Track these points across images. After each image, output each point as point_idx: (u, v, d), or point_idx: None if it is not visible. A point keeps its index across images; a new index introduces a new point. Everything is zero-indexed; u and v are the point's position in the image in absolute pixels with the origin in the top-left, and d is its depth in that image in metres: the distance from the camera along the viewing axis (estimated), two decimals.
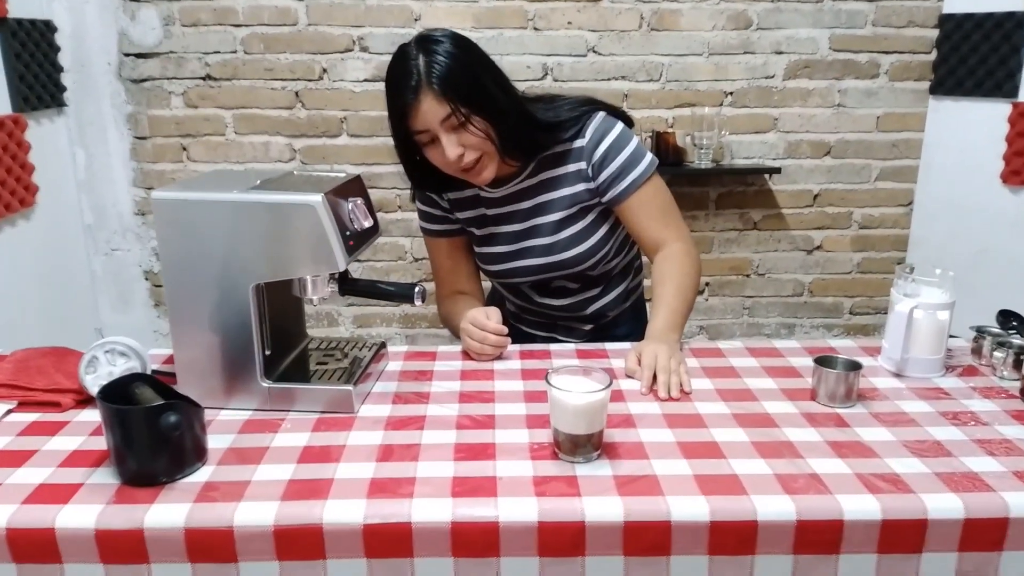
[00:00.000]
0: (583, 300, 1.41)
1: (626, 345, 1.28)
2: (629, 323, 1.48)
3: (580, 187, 1.31)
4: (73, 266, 2.19)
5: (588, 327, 1.45)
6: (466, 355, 1.23)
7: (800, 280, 2.35)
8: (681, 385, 1.09)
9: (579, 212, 1.32)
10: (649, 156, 1.30)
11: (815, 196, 2.28)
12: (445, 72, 1.14)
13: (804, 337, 2.38)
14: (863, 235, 2.32)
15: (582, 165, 1.30)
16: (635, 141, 1.30)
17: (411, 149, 1.23)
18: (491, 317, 1.22)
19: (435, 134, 1.17)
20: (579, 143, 1.29)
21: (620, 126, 1.30)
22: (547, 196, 1.32)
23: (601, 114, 1.30)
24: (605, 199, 1.31)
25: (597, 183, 1.30)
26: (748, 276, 2.33)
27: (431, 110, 1.15)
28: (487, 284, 1.50)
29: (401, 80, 1.16)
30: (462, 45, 1.19)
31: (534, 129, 1.25)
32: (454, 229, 1.40)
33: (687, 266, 1.29)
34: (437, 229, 1.40)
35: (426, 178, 1.30)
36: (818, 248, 2.33)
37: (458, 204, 1.37)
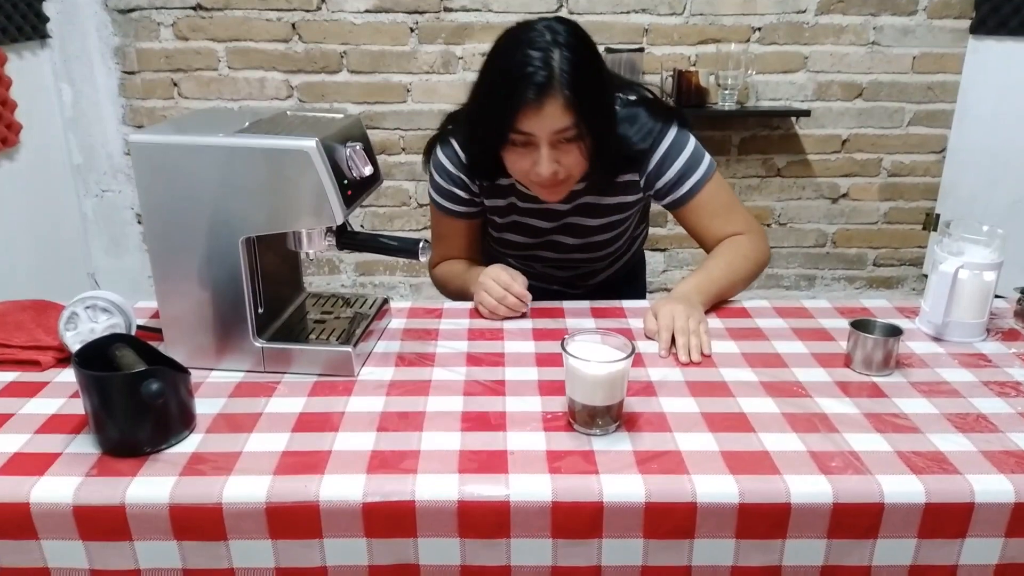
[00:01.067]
0: (591, 272, 1.35)
1: (644, 303, 1.20)
2: (624, 283, 1.43)
3: (630, 197, 1.23)
4: (62, 209, 2.10)
5: (585, 288, 1.40)
6: (475, 313, 1.16)
7: (823, 230, 2.24)
8: (701, 348, 1.02)
9: (620, 218, 1.26)
10: (707, 159, 1.21)
11: (843, 141, 2.16)
12: (582, 80, 1.00)
13: (825, 290, 2.29)
14: (892, 183, 2.20)
15: (635, 176, 1.20)
16: (692, 143, 1.19)
17: (493, 136, 1.07)
18: (516, 280, 1.13)
19: (536, 141, 1.03)
20: (645, 144, 1.17)
21: (675, 129, 1.18)
22: (591, 200, 1.22)
23: (672, 130, 1.18)
24: (665, 202, 1.22)
25: (653, 190, 1.21)
26: (769, 226, 2.23)
27: (551, 117, 1.01)
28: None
29: (526, 70, 0.99)
30: (593, 47, 1.05)
31: (620, 156, 1.15)
32: (474, 212, 1.27)
33: (747, 249, 1.20)
34: (456, 210, 1.27)
35: (484, 165, 1.17)
36: (844, 196, 2.21)
37: (490, 190, 1.24)
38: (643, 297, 1.49)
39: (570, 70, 1.00)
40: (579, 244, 1.29)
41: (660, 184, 1.19)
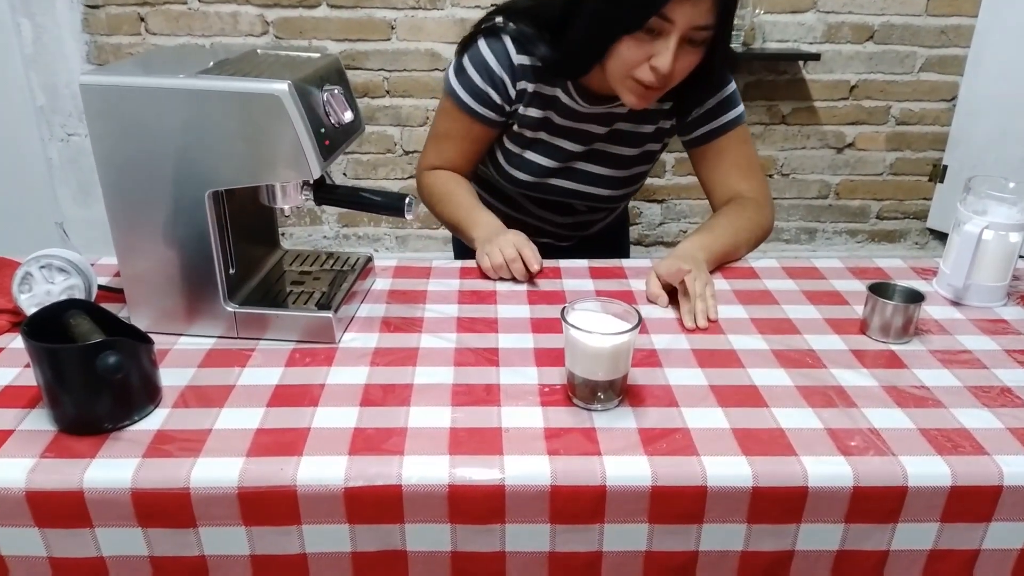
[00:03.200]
0: (588, 222, 1.30)
1: (646, 263, 1.13)
2: (612, 237, 1.40)
3: (663, 123, 1.19)
4: (26, 154, 1.98)
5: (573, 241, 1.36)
6: (465, 272, 1.08)
7: (827, 181, 2.16)
8: (708, 313, 0.95)
9: (650, 150, 1.22)
10: (742, 106, 1.19)
11: (852, 88, 2.06)
12: None
13: (826, 243, 2.23)
14: (900, 132, 2.11)
15: (669, 103, 1.16)
16: (732, 84, 1.17)
17: (610, 30, 0.99)
18: (534, 255, 1.05)
19: (667, 31, 0.96)
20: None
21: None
22: (627, 126, 1.18)
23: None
24: (689, 136, 1.18)
25: (689, 118, 1.16)
26: (771, 176, 2.14)
27: (700, 10, 0.95)
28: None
29: None
30: None
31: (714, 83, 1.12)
32: (497, 120, 1.18)
33: (753, 212, 1.16)
34: (481, 113, 1.16)
35: (575, 65, 1.08)
36: (849, 146, 2.13)
37: (531, 98, 1.16)
38: (627, 254, 1.43)
39: None
40: (598, 176, 1.23)
41: (696, 113, 1.16)
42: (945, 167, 2.13)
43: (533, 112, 1.17)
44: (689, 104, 1.15)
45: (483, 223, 1.15)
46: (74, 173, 2.08)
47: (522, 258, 1.04)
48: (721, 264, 1.11)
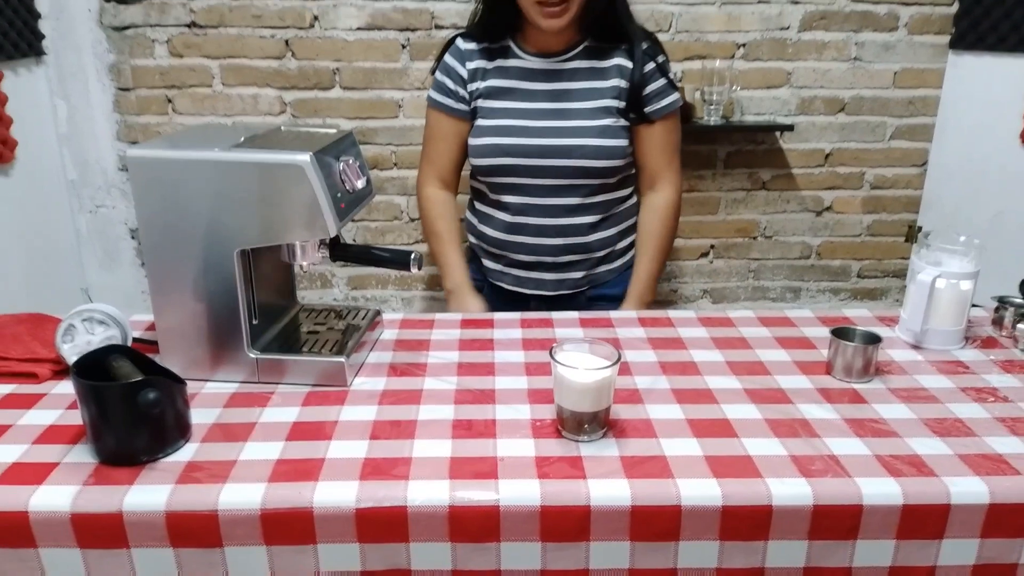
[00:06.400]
0: (580, 225, 1.39)
1: (632, 314, 1.22)
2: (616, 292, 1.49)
3: (620, 83, 1.36)
4: (57, 224, 2.11)
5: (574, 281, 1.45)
6: (466, 323, 1.18)
7: (808, 242, 2.28)
8: None
9: (610, 108, 1.35)
10: (679, 92, 1.42)
11: (827, 155, 2.20)
12: None
13: (810, 301, 2.32)
14: (875, 196, 2.24)
15: (628, 64, 1.35)
16: (671, 69, 1.41)
17: None
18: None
19: None
20: (638, 46, 1.35)
21: (664, 56, 1.40)
22: (586, 84, 1.36)
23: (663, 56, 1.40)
24: (646, 109, 1.37)
25: (643, 93, 1.36)
26: (755, 238, 2.26)
27: None
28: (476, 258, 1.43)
29: None
30: None
31: (616, 15, 1.33)
32: (459, 110, 1.40)
33: (672, 222, 1.46)
34: (448, 105, 1.41)
35: (499, 10, 1.34)
36: (828, 209, 2.25)
37: (484, 73, 1.38)
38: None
39: None
40: (572, 128, 1.35)
41: (648, 90, 1.36)
42: (920, 228, 2.24)
43: (490, 82, 1.38)
44: (592, 12, 1.31)
45: (454, 279, 1.45)
46: (100, 242, 2.21)
47: None
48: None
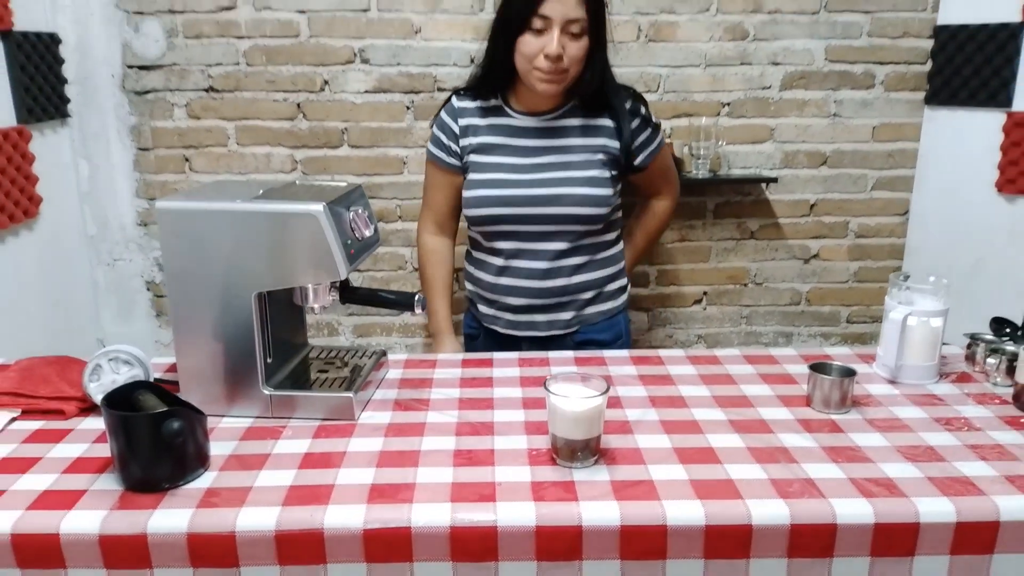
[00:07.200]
0: (566, 267, 1.46)
1: (624, 353, 1.29)
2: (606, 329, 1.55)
3: (607, 141, 1.46)
4: (75, 277, 2.20)
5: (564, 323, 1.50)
6: (466, 363, 1.25)
7: (797, 289, 2.35)
8: None
9: (593, 161, 1.45)
10: (660, 126, 1.56)
11: (812, 206, 2.30)
12: None
13: (802, 346, 2.38)
14: (860, 244, 2.33)
15: (611, 124, 1.46)
16: (652, 117, 1.53)
17: (508, 35, 1.36)
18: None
19: (550, 27, 1.31)
20: (622, 108, 1.46)
21: (646, 108, 1.53)
22: (574, 140, 1.45)
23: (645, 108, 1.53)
24: (636, 162, 1.49)
25: (631, 144, 1.47)
26: (746, 285, 2.34)
27: (567, 5, 1.30)
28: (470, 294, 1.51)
29: None
30: None
31: (607, 75, 1.45)
32: (452, 164, 1.51)
33: (668, 221, 1.71)
34: (438, 155, 1.52)
35: (496, 72, 1.44)
36: (815, 257, 2.33)
37: (475, 130, 1.48)
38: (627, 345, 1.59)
39: None
40: (563, 178, 1.43)
41: (636, 143, 1.48)
42: (907, 275, 2.32)
43: (482, 138, 1.47)
44: (583, 88, 1.42)
45: (436, 322, 1.58)
46: (116, 294, 2.29)
47: None
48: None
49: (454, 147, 1.49)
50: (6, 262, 1.89)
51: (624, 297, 1.58)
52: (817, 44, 2.18)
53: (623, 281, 1.57)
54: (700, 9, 2.15)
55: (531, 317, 1.50)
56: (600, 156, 1.45)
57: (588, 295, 1.50)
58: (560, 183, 1.43)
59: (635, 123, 1.47)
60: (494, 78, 1.46)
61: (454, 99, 1.52)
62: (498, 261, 1.49)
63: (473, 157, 1.48)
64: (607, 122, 1.46)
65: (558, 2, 1.29)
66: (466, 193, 1.48)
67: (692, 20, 2.15)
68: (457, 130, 1.49)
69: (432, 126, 1.54)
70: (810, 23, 2.17)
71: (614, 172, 1.46)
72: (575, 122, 1.46)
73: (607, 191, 1.44)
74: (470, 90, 1.51)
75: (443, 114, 1.52)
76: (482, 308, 1.55)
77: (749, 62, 2.18)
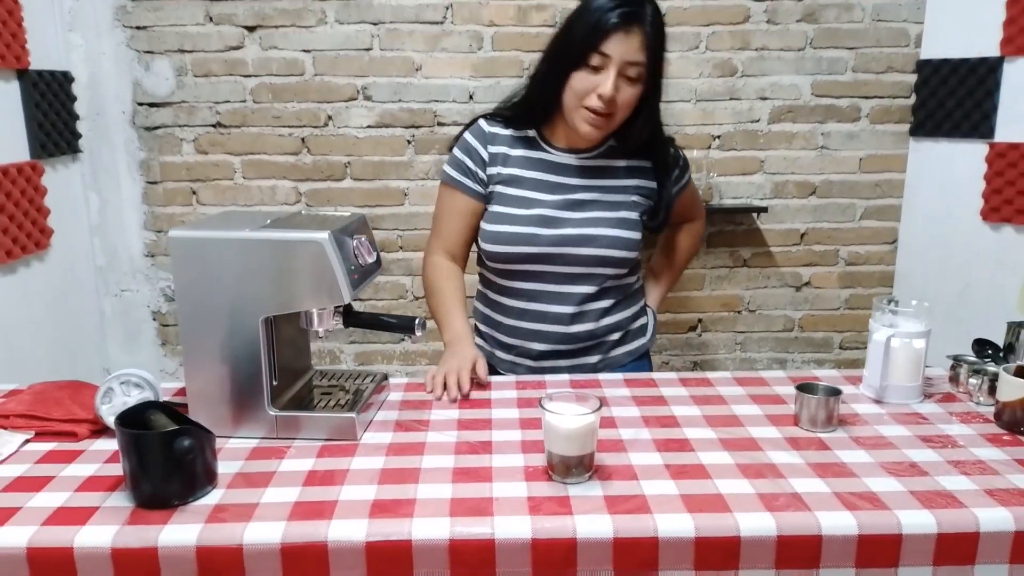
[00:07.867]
0: (594, 311, 1.38)
1: (618, 376, 1.33)
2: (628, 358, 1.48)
3: (641, 182, 1.41)
4: (84, 306, 2.25)
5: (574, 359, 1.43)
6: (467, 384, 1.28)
7: (790, 316, 2.40)
8: None
9: (626, 203, 1.39)
10: (688, 162, 1.51)
11: (802, 235, 2.36)
12: (661, 37, 1.27)
13: (796, 372, 2.42)
14: (850, 272, 2.38)
15: (647, 164, 1.41)
16: (681, 152, 1.50)
17: (563, 68, 1.28)
18: (479, 369, 1.27)
19: (608, 66, 1.23)
20: (666, 155, 1.42)
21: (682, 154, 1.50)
22: (608, 181, 1.39)
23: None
24: (671, 200, 1.45)
25: (672, 195, 1.44)
26: (739, 312, 2.39)
27: (630, 46, 1.23)
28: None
29: (623, 3, 1.22)
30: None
31: (657, 127, 1.38)
32: (475, 190, 1.40)
33: (700, 242, 1.75)
34: (463, 182, 1.41)
35: (535, 108, 1.37)
36: (807, 285, 2.39)
37: (504, 159, 1.39)
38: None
39: (656, 22, 1.25)
40: (591, 218, 1.36)
41: (675, 189, 1.46)
42: (898, 301, 2.37)
43: (512, 170, 1.38)
44: (634, 137, 1.36)
45: (453, 329, 1.36)
46: (122, 324, 2.34)
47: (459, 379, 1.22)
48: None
49: (480, 174, 1.39)
50: (18, 291, 1.94)
51: (650, 333, 1.52)
52: (804, 80, 2.27)
53: (645, 319, 1.51)
54: (690, 47, 2.24)
55: (554, 363, 1.41)
56: (634, 198, 1.39)
57: (615, 337, 1.43)
58: (593, 223, 1.35)
59: (675, 173, 1.44)
60: (535, 109, 1.37)
61: (483, 123, 1.41)
62: (518, 303, 1.40)
63: (500, 188, 1.38)
64: (645, 163, 1.41)
65: (622, 42, 1.22)
66: (488, 226, 1.38)
67: (683, 57, 2.24)
68: (486, 157, 1.39)
69: (453, 148, 1.42)
70: (796, 59, 2.25)
71: (644, 215, 1.41)
72: (613, 163, 1.39)
73: (636, 234, 1.38)
74: (500, 117, 1.42)
75: (470, 137, 1.41)
76: (500, 354, 1.45)
77: (738, 97, 2.26)
